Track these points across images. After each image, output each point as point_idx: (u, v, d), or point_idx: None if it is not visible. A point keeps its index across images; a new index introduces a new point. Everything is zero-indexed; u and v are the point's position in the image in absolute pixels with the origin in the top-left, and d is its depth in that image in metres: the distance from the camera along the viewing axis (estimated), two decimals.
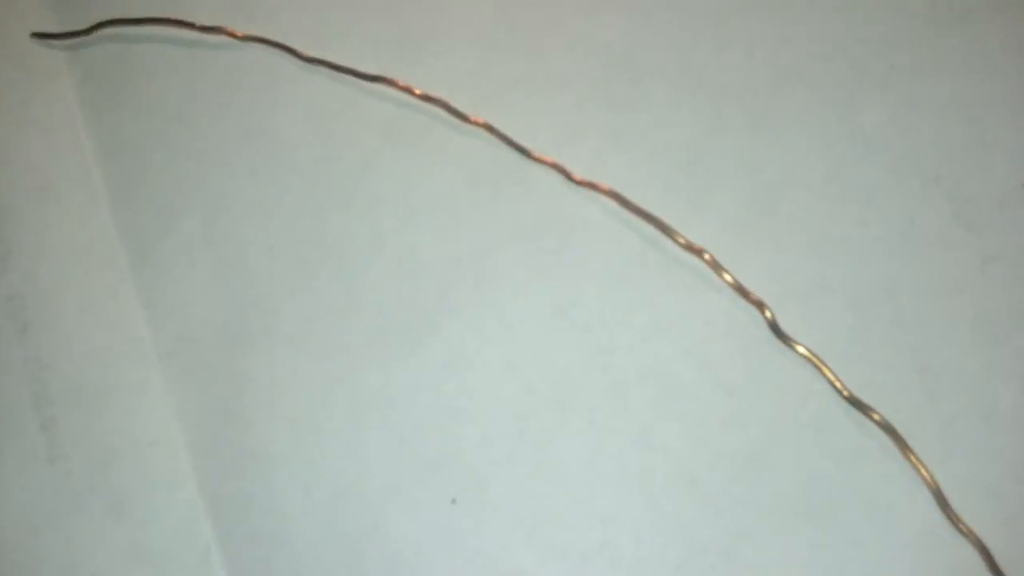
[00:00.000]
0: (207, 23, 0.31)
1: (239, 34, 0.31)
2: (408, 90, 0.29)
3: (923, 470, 0.22)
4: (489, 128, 0.28)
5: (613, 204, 0.27)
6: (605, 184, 0.27)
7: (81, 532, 0.25)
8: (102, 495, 0.25)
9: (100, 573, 0.24)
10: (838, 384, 0.23)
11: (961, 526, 0.21)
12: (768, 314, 0.24)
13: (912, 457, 0.22)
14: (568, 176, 0.27)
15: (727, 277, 0.25)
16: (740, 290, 0.25)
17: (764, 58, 0.29)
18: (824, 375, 0.23)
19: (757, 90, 0.28)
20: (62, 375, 0.27)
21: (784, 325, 0.24)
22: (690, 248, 0.26)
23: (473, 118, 0.29)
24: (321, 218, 0.28)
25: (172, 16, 0.31)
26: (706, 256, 0.25)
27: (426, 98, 0.29)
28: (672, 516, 0.23)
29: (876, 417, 0.23)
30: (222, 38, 0.31)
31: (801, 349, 0.24)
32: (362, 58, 0.30)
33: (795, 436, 0.23)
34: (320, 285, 0.27)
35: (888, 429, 0.22)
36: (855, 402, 0.23)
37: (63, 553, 0.25)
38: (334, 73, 0.30)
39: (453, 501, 0.24)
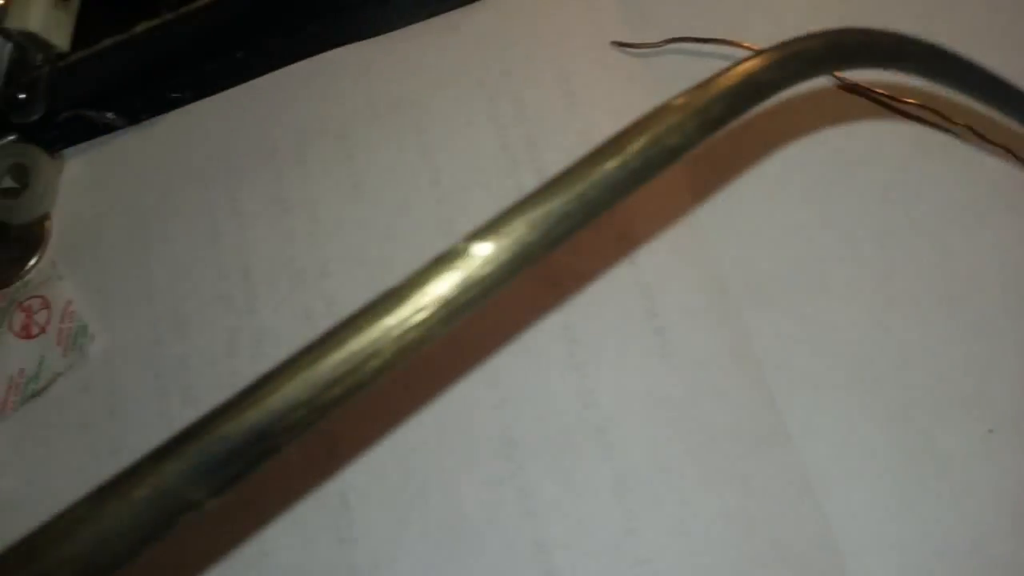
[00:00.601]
0: (760, 46, 0.39)
1: None
2: (936, 112, 0.37)
3: None
4: (1008, 151, 0.36)
5: None
6: None
7: (690, 414, 0.34)
8: (706, 389, 0.35)
9: (693, 448, 0.34)
10: None
11: None
12: None
13: None
14: None
15: None
16: None
17: None
18: None
19: None
20: (666, 295, 0.37)
21: None
22: None
23: (993, 140, 0.36)
24: (865, 202, 0.37)
25: (731, 39, 0.40)
26: None
27: (952, 120, 0.37)
28: None
29: None
30: None
31: None
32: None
33: None
34: (859, 252, 0.36)
35: None
36: None
37: (664, 430, 0.35)
38: (868, 100, 0.38)
39: (990, 431, 0.32)
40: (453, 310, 0.16)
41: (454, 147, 0.41)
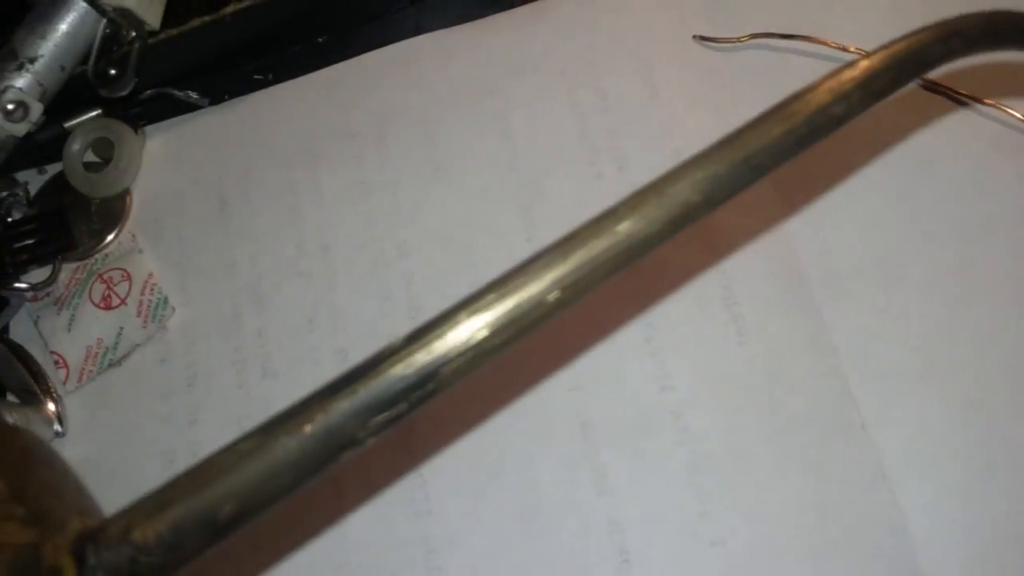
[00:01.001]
0: (843, 44, 0.40)
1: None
2: (1014, 113, 0.38)
3: None
4: None
5: None
6: None
7: (766, 400, 0.35)
8: (782, 377, 0.35)
9: (767, 433, 0.35)
10: None
11: None
12: None
13: None
14: None
15: None
16: None
17: None
18: None
19: None
20: (744, 283, 0.37)
21: None
22: None
23: None
24: (943, 198, 0.37)
25: (814, 36, 0.41)
26: None
27: None
28: None
29: None
30: (854, 57, 0.40)
31: None
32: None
33: None
34: (937, 247, 0.36)
35: None
36: None
37: (739, 415, 0.35)
38: (949, 99, 0.39)
39: None
40: (615, 265, 0.17)
41: (534, 134, 0.42)
